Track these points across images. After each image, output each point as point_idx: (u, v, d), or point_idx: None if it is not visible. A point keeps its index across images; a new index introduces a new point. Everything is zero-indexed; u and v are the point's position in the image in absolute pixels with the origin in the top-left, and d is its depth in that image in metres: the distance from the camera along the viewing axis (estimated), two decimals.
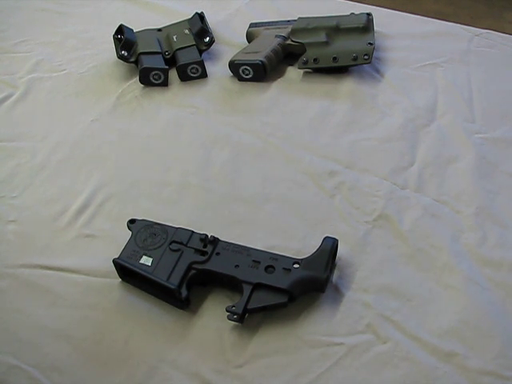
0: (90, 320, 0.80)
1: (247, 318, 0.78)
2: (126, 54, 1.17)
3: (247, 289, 0.78)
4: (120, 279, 0.84)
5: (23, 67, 1.21)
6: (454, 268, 0.83)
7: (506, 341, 0.75)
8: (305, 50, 1.15)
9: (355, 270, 0.84)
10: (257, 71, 1.14)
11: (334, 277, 0.83)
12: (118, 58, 1.17)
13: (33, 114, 1.12)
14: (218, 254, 0.82)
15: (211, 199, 0.95)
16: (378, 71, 1.15)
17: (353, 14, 1.20)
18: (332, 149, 1.01)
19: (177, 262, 0.81)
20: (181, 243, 0.83)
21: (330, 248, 0.82)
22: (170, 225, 0.86)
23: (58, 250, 0.88)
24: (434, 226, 0.89)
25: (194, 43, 1.19)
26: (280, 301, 0.78)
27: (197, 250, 0.83)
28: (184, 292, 0.79)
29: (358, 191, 0.94)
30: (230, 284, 0.81)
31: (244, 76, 1.15)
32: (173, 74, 1.17)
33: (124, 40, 1.17)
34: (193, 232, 0.85)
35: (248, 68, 1.14)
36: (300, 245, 0.87)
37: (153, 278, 0.80)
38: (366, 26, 1.16)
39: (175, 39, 1.20)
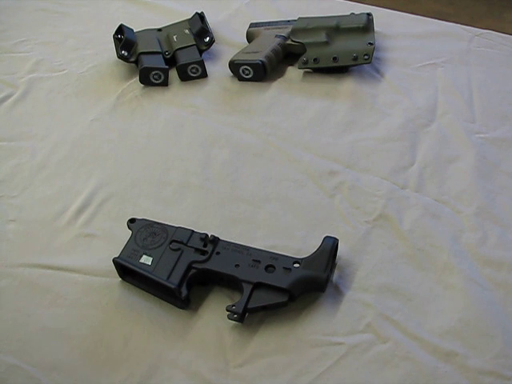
0: (89, 319, 0.80)
1: (247, 318, 0.78)
2: (126, 53, 1.17)
3: (247, 288, 0.78)
4: (120, 278, 0.83)
5: (23, 67, 1.21)
6: (454, 268, 0.83)
7: (506, 340, 0.75)
8: (305, 50, 1.15)
9: (355, 270, 0.84)
10: (257, 71, 1.14)
11: (335, 276, 0.83)
12: (118, 57, 1.17)
13: (33, 113, 1.12)
14: (218, 253, 0.82)
15: (211, 199, 0.95)
16: (378, 71, 1.15)
17: (353, 14, 1.20)
18: (332, 149, 1.01)
19: (177, 262, 0.81)
20: (181, 242, 0.83)
21: (330, 248, 0.82)
22: (170, 224, 0.86)
23: (57, 249, 0.88)
24: (434, 225, 0.89)
25: (194, 43, 1.19)
26: (280, 300, 0.78)
27: (197, 250, 0.83)
28: (184, 291, 0.79)
29: (358, 191, 0.94)
30: (230, 283, 0.81)
31: (244, 76, 1.15)
32: (173, 74, 1.17)
33: (124, 40, 1.17)
34: (193, 231, 0.85)
35: (248, 68, 1.14)
36: (300, 244, 0.87)
37: (153, 277, 0.80)
38: (366, 26, 1.16)
39: (175, 39, 1.20)
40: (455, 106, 1.07)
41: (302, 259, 0.81)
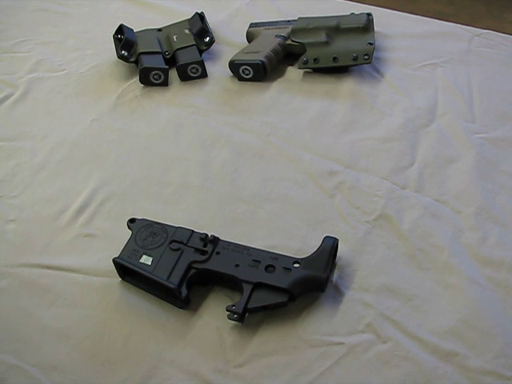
0: (89, 319, 0.80)
1: (247, 318, 0.78)
2: (126, 53, 1.17)
3: (247, 288, 0.78)
4: (120, 278, 0.83)
5: (23, 67, 1.21)
6: (454, 268, 0.83)
7: (507, 340, 0.75)
8: (305, 50, 1.15)
9: (355, 270, 0.84)
10: (257, 71, 1.14)
11: (335, 276, 0.83)
12: (118, 57, 1.17)
13: (33, 113, 1.12)
14: (218, 253, 0.82)
15: (211, 199, 0.95)
16: (378, 71, 1.15)
17: (353, 14, 1.20)
18: (332, 149, 1.01)
19: (177, 262, 0.81)
20: (181, 242, 0.83)
21: (330, 247, 0.82)
22: (170, 224, 0.86)
23: (57, 249, 0.88)
24: (434, 225, 0.89)
25: (194, 43, 1.19)
26: (280, 300, 0.78)
27: (197, 250, 0.83)
28: (184, 291, 0.79)
29: (358, 191, 0.94)
30: (230, 283, 0.81)
31: (244, 76, 1.15)
32: (173, 74, 1.17)
33: (124, 40, 1.17)
34: (193, 231, 0.85)
35: (248, 68, 1.14)
36: (300, 244, 0.87)
37: (153, 277, 0.80)
38: (366, 26, 1.16)
39: (175, 39, 1.20)
40: (455, 106, 1.07)
41: (302, 259, 0.81)
